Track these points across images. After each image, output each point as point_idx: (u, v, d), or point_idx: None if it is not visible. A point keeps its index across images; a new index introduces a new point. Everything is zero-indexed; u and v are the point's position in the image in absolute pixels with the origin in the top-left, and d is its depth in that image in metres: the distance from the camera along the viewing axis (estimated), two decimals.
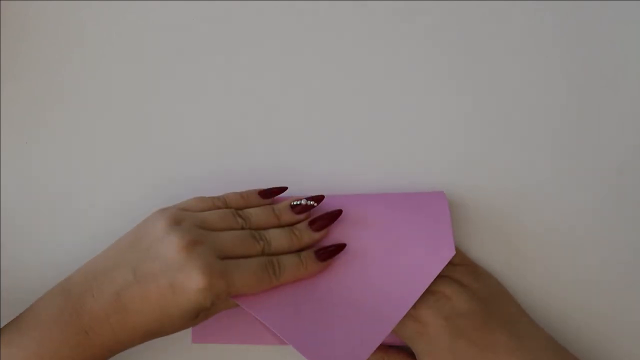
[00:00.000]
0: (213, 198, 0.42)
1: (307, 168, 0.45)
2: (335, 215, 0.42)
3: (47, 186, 0.45)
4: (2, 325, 0.38)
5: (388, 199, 0.44)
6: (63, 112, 0.46)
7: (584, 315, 0.44)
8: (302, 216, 0.42)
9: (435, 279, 0.40)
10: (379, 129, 0.46)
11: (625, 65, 0.45)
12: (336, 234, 0.43)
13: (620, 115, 0.45)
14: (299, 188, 0.45)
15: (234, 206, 0.42)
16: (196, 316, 0.38)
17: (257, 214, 0.41)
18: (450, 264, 0.41)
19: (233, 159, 0.45)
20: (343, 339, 0.41)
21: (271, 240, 0.40)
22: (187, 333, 0.44)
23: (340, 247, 0.41)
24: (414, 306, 0.39)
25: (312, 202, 0.42)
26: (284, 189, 0.43)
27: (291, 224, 0.42)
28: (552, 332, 0.42)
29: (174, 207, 0.41)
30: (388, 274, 0.43)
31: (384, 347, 0.42)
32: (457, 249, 0.43)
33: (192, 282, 0.37)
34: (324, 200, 0.43)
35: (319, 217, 0.42)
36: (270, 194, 0.43)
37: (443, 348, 0.38)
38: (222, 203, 0.42)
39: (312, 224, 0.41)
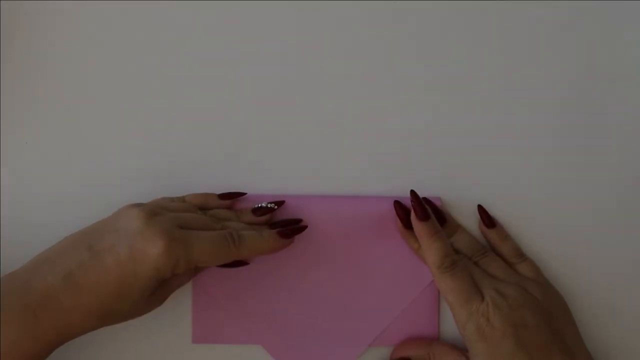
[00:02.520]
0: (174, 198, 0.43)
1: (298, 170, 0.45)
2: (302, 229, 0.42)
3: (47, 186, 0.45)
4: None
5: (378, 202, 0.44)
6: (63, 112, 0.46)
7: (584, 314, 0.44)
8: (262, 219, 0.43)
9: (509, 286, 0.40)
10: (374, 132, 0.46)
11: (628, 64, 0.46)
12: (325, 238, 0.43)
13: (620, 112, 0.45)
14: (293, 189, 0.45)
15: (195, 204, 0.43)
16: (154, 289, 0.38)
17: (218, 212, 0.43)
18: (525, 277, 0.42)
19: (230, 164, 0.45)
20: (321, 354, 0.43)
21: (244, 235, 0.40)
22: (187, 333, 0.44)
23: (301, 228, 0.42)
24: (487, 304, 0.39)
25: (273, 205, 0.43)
26: (243, 194, 0.44)
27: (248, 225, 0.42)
28: None
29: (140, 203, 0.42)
30: (373, 283, 0.43)
31: (428, 341, 0.42)
32: (534, 265, 0.43)
33: (151, 247, 0.37)
34: (317, 203, 0.43)
35: (286, 225, 0.42)
36: (230, 196, 0.43)
37: (502, 354, 0.38)
38: (182, 201, 0.43)
39: (275, 228, 0.42)
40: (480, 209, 0.44)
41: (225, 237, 0.39)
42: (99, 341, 0.44)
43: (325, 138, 0.46)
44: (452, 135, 0.45)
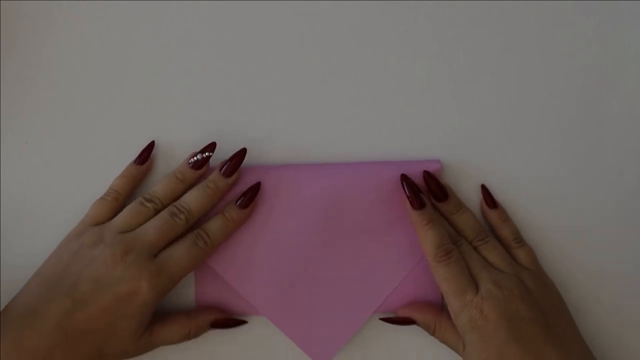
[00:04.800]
0: (144, 200, 0.42)
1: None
2: (241, 155, 0.42)
3: (47, 186, 0.45)
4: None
5: (382, 167, 0.44)
6: (63, 112, 0.46)
7: (579, 305, 0.44)
8: (203, 170, 0.43)
9: (504, 275, 0.40)
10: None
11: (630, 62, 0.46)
12: (326, 206, 0.43)
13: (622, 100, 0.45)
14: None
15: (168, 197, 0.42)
16: (146, 324, 0.40)
17: (163, 189, 0.42)
18: (521, 266, 0.42)
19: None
20: (328, 320, 0.43)
21: (190, 206, 0.41)
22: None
23: (255, 188, 0.42)
24: (482, 296, 0.39)
25: (208, 154, 0.43)
26: (211, 150, 0.43)
27: (197, 183, 0.42)
28: None
29: (83, 226, 0.41)
30: (377, 249, 0.44)
31: (438, 310, 0.42)
32: (531, 253, 0.43)
33: (136, 291, 0.38)
34: (317, 171, 0.43)
35: (228, 162, 0.42)
36: (202, 163, 0.42)
37: (494, 346, 0.38)
38: (152, 203, 0.42)
39: (222, 171, 0.42)
40: (484, 189, 0.44)
41: (195, 242, 0.40)
42: None
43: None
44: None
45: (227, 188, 0.42)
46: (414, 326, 0.43)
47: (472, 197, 0.45)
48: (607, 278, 0.44)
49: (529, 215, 0.45)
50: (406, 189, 0.42)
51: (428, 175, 0.43)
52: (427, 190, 0.43)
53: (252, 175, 0.44)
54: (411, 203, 0.42)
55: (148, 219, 0.41)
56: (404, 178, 0.42)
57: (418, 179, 0.43)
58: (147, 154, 0.44)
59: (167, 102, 0.46)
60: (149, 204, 0.42)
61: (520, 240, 0.43)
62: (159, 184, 0.43)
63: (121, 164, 0.45)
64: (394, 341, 0.44)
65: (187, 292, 0.44)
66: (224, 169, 0.42)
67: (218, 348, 0.44)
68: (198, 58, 0.46)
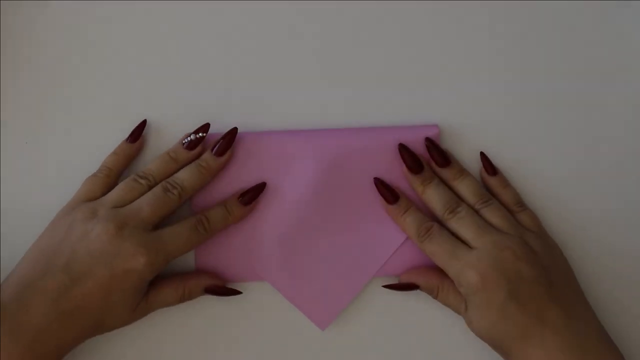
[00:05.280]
0: (138, 177, 0.42)
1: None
2: (233, 133, 0.43)
3: (47, 186, 0.45)
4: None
5: (379, 133, 0.44)
6: (63, 112, 0.46)
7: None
8: (196, 150, 0.43)
9: (505, 235, 0.40)
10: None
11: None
12: (326, 171, 0.44)
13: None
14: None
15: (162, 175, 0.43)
16: (141, 297, 0.40)
17: (157, 167, 0.42)
18: (524, 227, 0.42)
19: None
20: (328, 284, 0.44)
21: (183, 183, 0.41)
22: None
23: (260, 187, 0.43)
24: (480, 259, 0.39)
25: (201, 134, 0.43)
26: (205, 130, 0.43)
27: (190, 162, 0.43)
28: None
29: (75, 202, 0.42)
30: (375, 213, 0.44)
31: (441, 274, 0.42)
32: (534, 216, 0.43)
33: (132, 264, 0.38)
34: (316, 136, 0.44)
35: (219, 141, 0.43)
36: (195, 143, 0.43)
37: (495, 305, 0.38)
38: (147, 180, 0.42)
39: (214, 151, 0.43)
40: (483, 156, 0.44)
41: (196, 226, 0.41)
42: None
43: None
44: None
45: (219, 167, 0.43)
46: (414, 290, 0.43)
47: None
48: (606, 278, 0.45)
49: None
50: (378, 187, 0.43)
51: (429, 142, 0.43)
52: (428, 157, 0.44)
53: (252, 141, 0.44)
54: (386, 199, 0.43)
55: (141, 195, 0.41)
56: (376, 179, 0.43)
57: (416, 144, 0.44)
58: (139, 132, 0.44)
59: (167, 101, 0.46)
60: (142, 181, 0.42)
61: (522, 205, 0.43)
62: (152, 162, 0.43)
63: None
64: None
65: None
66: (215, 148, 0.43)
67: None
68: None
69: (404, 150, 0.43)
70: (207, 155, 0.43)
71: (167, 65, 0.46)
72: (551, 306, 0.38)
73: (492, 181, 0.44)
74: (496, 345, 0.39)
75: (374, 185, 0.44)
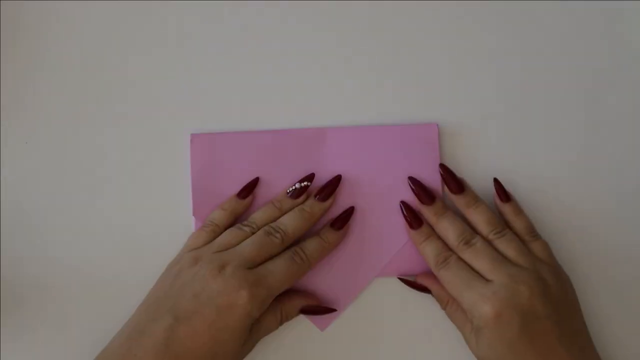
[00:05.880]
0: (242, 226, 0.43)
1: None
2: (337, 180, 0.44)
3: (47, 186, 0.45)
4: (1, 325, 0.38)
5: (379, 132, 0.45)
6: (63, 112, 0.46)
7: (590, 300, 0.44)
8: (301, 199, 0.43)
9: (522, 269, 0.40)
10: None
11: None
12: (333, 170, 0.44)
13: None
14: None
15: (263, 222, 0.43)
16: (247, 336, 0.40)
17: (260, 216, 0.43)
18: (539, 260, 0.42)
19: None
20: (327, 287, 0.44)
21: (287, 227, 0.42)
22: None
23: (350, 211, 0.44)
24: (496, 293, 0.39)
25: (305, 183, 0.44)
26: (308, 187, 0.44)
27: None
28: None
29: (181, 255, 0.42)
30: (377, 213, 0.44)
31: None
32: (547, 247, 0.43)
33: (236, 300, 0.38)
34: (322, 134, 0.45)
35: (323, 187, 0.43)
36: (299, 194, 0.44)
37: (506, 340, 0.38)
38: (250, 228, 0.43)
39: (318, 196, 0.43)
40: (496, 183, 0.44)
41: (293, 258, 0.41)
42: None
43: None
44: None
45: (322, 212, 0.43)
46: (418, 293, 0.43)
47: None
48: (605, 276, 0.44)
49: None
50: (404, 211, 0.43)
51: (444, 169, 0.43)
52: (442, 183, 0.44)
53: (241, 140, 0.44)
54: (409, 224, 0.43)
55: (244, 240, 0.42)
56: (402, 203, 0.44)
57: (416, 144, 0.44)
58: (250, 189, 0.44)
59: (166, 100, 0.46)
60: (246, 228, 0.42)
61: (534, 233, 0.43)
62: (257, 211, 0.43)
63: (121, 164, 0.45)
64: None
65: None
66: (319, 194, 0.43)
67: None
68: (193, 51, 0.46)
69: (415, 183, 0.43)
70: (311, 201, 0.43)
71: (169, 65, 0.46)
72: (559, 346, 0.38)
73: (506, 208, 0.43)
74: None
75: (372, 185, 0.44)
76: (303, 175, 0.44)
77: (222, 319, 0.38)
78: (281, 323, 0.42)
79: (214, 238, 0.42)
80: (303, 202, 0.43)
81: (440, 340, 0.44)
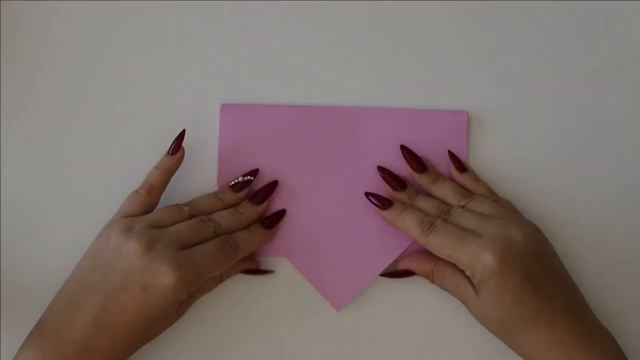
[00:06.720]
0: (181, 205, 0.43)
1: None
2: (272, 186, 0.44)
3: (47, 186, 0.45)
4: (1, 326, 0.38)
5: (408, 116, 0.45)
6: (63, 112, 0.46)
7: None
8: (243, 193, 0.44)
9: (507, 219, 0.41)
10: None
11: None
12: (351, 148, 0.45)
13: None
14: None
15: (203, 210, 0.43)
16: (178, 309, 0.40)
17: (202, 202, 0.43)
18: (511, 211, 0.43)
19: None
20: (346, 266, 0.44)
21: (220, 221, 0.42)
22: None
23: (280, 214, 0.44)
24: (493, 241, 0.39)
25: (248, 178, 0.44)
26: (250, 180, 0.44)
27: (235, 204, 0.44)
28: None
29: (118, 217, 0.42)
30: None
31: (433, 257, 0.42)
32: (511, 202, 0.44)
33: (163, 280, 0.38)
34: (342, 114, 0.45)
35: (258, 192, 0.44)
36: (242, 186, 0.44)
37: (511, 288, 0.39)
38: (186, 211, 0.43)
39: (252, 199, 0.44)
40: (451, 154, 0.44)
41: (224, 246, 0.41)
42: None
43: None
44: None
45: (255, 215, 0.44)
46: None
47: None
48: (604, 276, 0.44)
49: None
50: (369, 198, 0.44)
51: (406, 150, 0.44)
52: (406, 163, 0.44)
53: (271, 113, 0.45)
54: (379, 207, 0.43)
55: (181, 221, 0.42)
56: (367, 193, 0.44)
57: (446, 130, 0.45)
58: (178, 144, 0.44)
59: (167, 100, 0.46)
60: (185, 208, 0.43)
61: (495, 194, 0.44)
62: (199, 197, 0.44)
63: (121, 164, 0.45)
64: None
65: None
66: (253, 197, 0.44)
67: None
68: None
69: (383, 171, 0.44)
70: (245, 203, 0.44)
71: (169, 65, 0.46)
72: (557, 283, 0.39)
73: (465, 178, 0.44)
74: (502, 329, 0.39)
75: (396, 170, 0.44)
76: (327, 152, 0.45)
77: (149, 298, 0.38)
78: (221, 282, 0.43)
79: (150, 202, 0.42)
80: (243, 198, 0.44)
81: (441, 340, 0.44)
